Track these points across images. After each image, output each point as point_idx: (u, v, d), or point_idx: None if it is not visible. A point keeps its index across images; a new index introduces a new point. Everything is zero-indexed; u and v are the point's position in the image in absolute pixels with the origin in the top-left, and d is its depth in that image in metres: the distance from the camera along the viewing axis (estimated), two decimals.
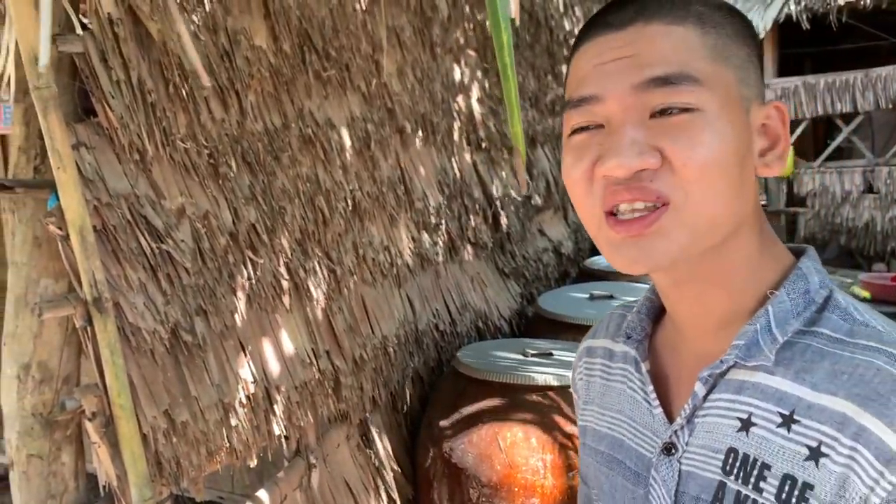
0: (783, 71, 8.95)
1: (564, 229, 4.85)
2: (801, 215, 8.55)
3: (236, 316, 2.03)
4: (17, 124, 1.79)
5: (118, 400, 1.68)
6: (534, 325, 3.47)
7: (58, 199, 1.67)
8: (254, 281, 2.10)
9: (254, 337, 2.08)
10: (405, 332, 2.84)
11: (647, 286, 0.87)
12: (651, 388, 0.80)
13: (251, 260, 2.11)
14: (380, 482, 2.59)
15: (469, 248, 3.56)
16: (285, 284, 2.24)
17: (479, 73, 3.87)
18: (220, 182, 2.06)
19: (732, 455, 0.69)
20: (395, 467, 2.67)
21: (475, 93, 3.83)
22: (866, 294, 6.15)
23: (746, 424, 0.69)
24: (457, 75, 3.62)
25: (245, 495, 2.83)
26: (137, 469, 1.70)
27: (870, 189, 8.00)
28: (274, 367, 2.11)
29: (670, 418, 0.77)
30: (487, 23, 3.71)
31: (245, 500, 2.77)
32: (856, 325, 0.68)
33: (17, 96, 1.75)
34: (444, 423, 2.54)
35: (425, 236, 3.15)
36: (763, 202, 13.65)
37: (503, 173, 4.05)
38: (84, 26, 1.74)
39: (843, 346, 0.66)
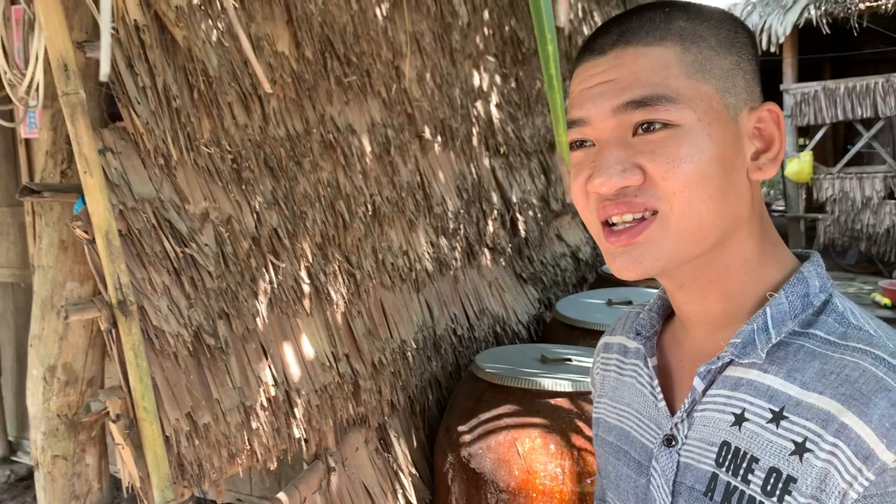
0: (803, 76, 8.90)
1: (582, 234, 4.84)
2: (820, 221, 8.48)
3: (258, 319, 2.04)
4: (44, 129, 1.82)
5: (142, 402, 1.70)
6: (551, 330, 3.46)
7: (84, 203, 1.69)
8: (275, 285, 2.12)
9: (275, 340, 2.10)
10: (423, 336, 2.84)
11: None
12: (656, 382, 0.84)
13: (273, 264, 2.12)
14: (398, 486, 2.59)
15: (487, 253, 3.57)
16: (306, 288, 2.25)
17: (497, 79, 3.88)
18: (243, 187, 2.08)
19: (725, 448, 0.73)
20: (413, 471, 2.68)
21: (494, 98, 3.83)
22: (887, 301, 6.09)
23: (740, 419, 0.72)
24: (476, 81, 3.63)
25: (264, 497, 2.85)
26: (160, 471, 1.72)
27: (891, 195, 7.93)
28: (294, 371, 2.13)
29: (673, 412, 0.81)
30: (507, 28, 3.72)
31: (264, 502, 2.79)
32: (850, 329, 0.70)
33: (45, 102, 1.78)
34: (462, 427, 2.54)
35: (444, 241, 3.16)
36: (781, 208, 13.56)
37: (521, 178, 4.05)
38: (112, 31, 1.76)
39: (834, 347, 0.69)
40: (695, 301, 0.79)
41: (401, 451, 2.66)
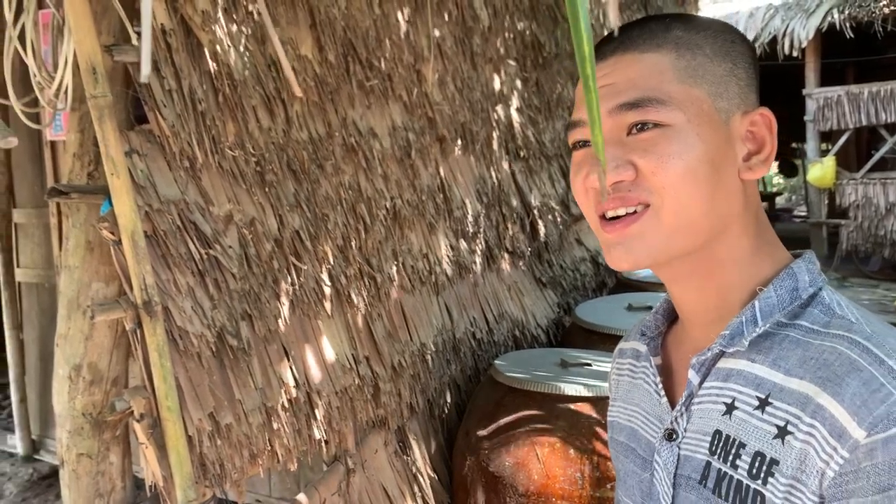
0: (826, 80, 8.82)
1: None
2: (843, 227, 8.40)
3: (280, 321, 2.06)
4: (72, 132, 1.85)
5: (166, 402, 1.71)
6: (570, 335, 3.46)
7: (111, 204, 1.71)
8: (297, 287, 2.13)
9: (296, 342, 2.11)
10: (443, 339, 2.85)
11: None
12: (658, 379, 0.87)
13: (295, 266, 2.14)
14: (416, 488, 2.60)
15: (506, 256, 3.57)
16: (327, 291, 2.27)
17: (518, 83, 3.88)
18: (267, 189, 2.10)
19: (717, 436, 0.76)
20: (432, 474, 2.68)
21: (514, 102, 3.84)
22: None
23: (730, 408, 0.76)
24: (496, 84, 3.63)
25: (283, 499, 2.87)
26: (183, 470, 1.73)
27: None
28: (315, 372, 2.14)
29: (674, 407, 0.84)
30: (527, 32, 3.72)
31: (283, 503, 2.80)
32: (833, 318, 0.74)
33: (73, 105, 1.81)
34: (481, 431, 2.54)
35: (463, 245, 3.17)
36: (803, 213, 13.43)
37: (541, 182, 4.05)
38: (139, 35, 1.79)
39: (816, 335, 0.73)
40: (691, 296, 0.83)
41: (419, 453, 2.67)
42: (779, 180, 21.35)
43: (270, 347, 2.02)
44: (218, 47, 1.94)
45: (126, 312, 1.72)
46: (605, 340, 3.07)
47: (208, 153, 1.92)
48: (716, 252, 0.78)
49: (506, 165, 3.70)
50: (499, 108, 3.65)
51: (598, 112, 0.40)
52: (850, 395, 0.65)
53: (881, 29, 7.71)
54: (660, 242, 0.76)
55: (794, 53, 8.44)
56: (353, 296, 2.38)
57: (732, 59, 0.79)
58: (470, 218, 3.23)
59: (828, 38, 8.44)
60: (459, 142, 3.24)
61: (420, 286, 2.79)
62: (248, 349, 1.93)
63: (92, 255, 1.83)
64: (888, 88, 7.82)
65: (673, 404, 0.84)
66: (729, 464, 0.74)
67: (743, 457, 0.73)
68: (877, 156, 8.25)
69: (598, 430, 2.41)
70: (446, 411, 2.89)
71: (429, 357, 2.72)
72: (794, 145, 14.75)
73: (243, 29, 2.02)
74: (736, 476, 0.73)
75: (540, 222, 3.89)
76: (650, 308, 3.34)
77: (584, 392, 2.47)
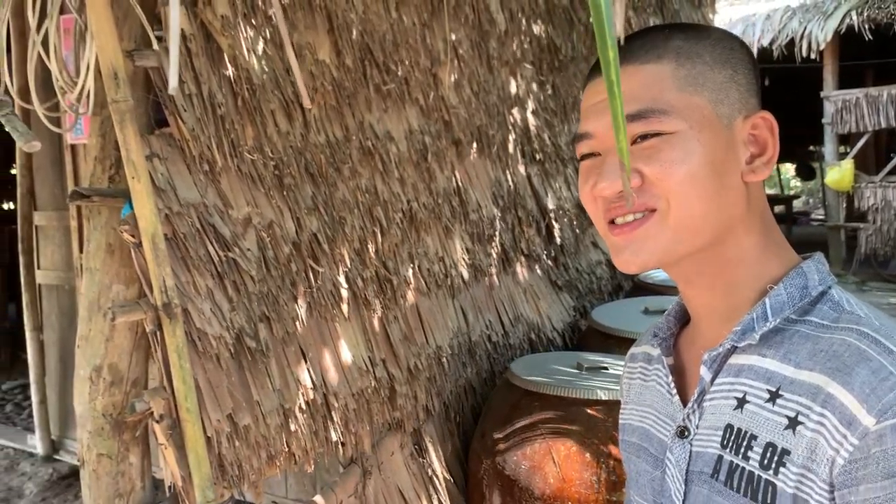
0: (844, 83, 8.74)
1: None
2: (861, 230, 8.32)
3: (297, 323, 2.07)
4: (93, 136, 1.87)
5: (185, 403, 1.73)
6: (586, 338, 3.45)
7: (131, 207, 1.73)
8: (314, 289, 2.15)
9: (314, 344, 2.12)
10: (458, 342, 2.85)
11: None
12: (671, 378, 0.89)
13: (312, 269, 2.15)
14: (432, 491, 2.60)
15: (522, 259, 3.57)
16: (344, 293, 2.28)
17: (534, 86, 3.88)
18: (285, 192, 2.11)
19: (729, 430, 0.78)
20: (448, 477, 2.69)
21: (530, 105, 3.84)
22: None
23: (741, 402, 0.77)
24: (512, 88, 3.64)
25: (299, 500, 2.88)
26: (201, 471, 1.75)
27: None
28: (332, 375, 2.15)
29: (686, 405, 0.86)
30: (544, 35, 3.72)
31: None
32: (843, 314, 0.75)
33: (94, 109, 1.83)
34: (497, 434, 2.54)
35: (479, 248, 3.17)
36: (821, 217, 13.31)
37: (557, 185, 4.05)
38: (159, 40, 1.81)
39: (826, 330, 0.74)
40: (701, 296, 0.85)
41: (435, 456, 2.67)
42: (796, 183, 21.19)
43: (288, 349, 2.03)
44: (237, 52, 1.96)
45: (146, 314, 1.74)
46: (621, 344, 3.06)
47: (227, 157, 1.94)
48: (723, 252, 0.81)
49: (522, 169, 3.71)
50: (515, 111, 3.65)
51: (622, 118, 0.41)
52: (860, 384, 0.67)
53: None
54: (666, 244, 0.79)
55: (812, 56, 8.38)
56: (369, 298, 2.39)
57: (732, 65, 0.81)
58: (486, 221, 3.23)
59: (846, 39, 8.37)
60: (475, 145, 3.25)
61: (436, 289, 2.80)
62: (266, 351, 1.95)
63: (112, 257, 1.85)
64: None
65: (685, 403, 0.86)
66: (741, 456, 0.75)
67: (755, 448, 0.74)
68: None
69: (615, 433, 2.40)
70: (462, 414, 2.89)
71: (444, 360, 2.72)
72: (811, 148, 14.63)
73: (262, 34, 2.04)
74: (748, 468, 0.74)
75: (556, 225, 3.89)
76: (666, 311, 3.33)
77: (600, 396, 2.46)
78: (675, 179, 0.77)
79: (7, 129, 1.72)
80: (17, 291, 4.26)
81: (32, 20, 1.79)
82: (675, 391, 0.88)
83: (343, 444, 2.20)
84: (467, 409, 2.93)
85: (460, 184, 3.09)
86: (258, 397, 1.90)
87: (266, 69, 2.06)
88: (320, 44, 2.28)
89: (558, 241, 3.92)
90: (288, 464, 2.01)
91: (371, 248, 2.45)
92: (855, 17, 7.89)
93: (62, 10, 1.82)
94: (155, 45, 1.77)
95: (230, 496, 1.89)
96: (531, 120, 3.81)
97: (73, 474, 4.03)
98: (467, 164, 3.19)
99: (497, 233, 3.32)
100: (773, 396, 0.74)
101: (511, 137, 3.59)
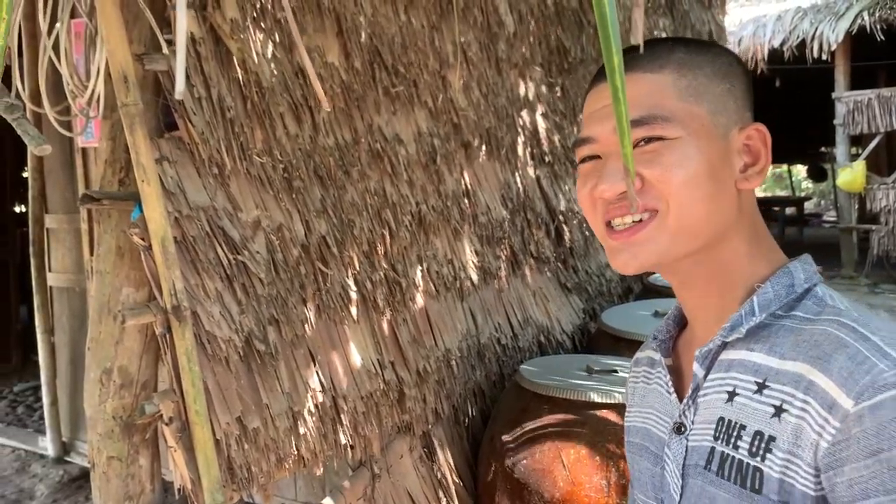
0: (856, 84, 8.69)
1: None
2: (874, 232, 8.27)
3: (306, 326, 2.07)
4: (104, 139, 1.88)
5: (194, 406, 1.73)
6: (596, 341, 3.44)
7: (141, 210, 1.74)
8: (323, 292, 2.15)
9: (322, 347, 2.12)
10: (467, 345, 2.85)
11: None
12: (668, 378, 0.94)
13: (321, 271, 2.15)
14: (441, 494, 2.60)
15: (532, 262, 3.56)
16: (353, 296, 2.28)
17: (543, 88, 3.88)
18: (294, 195, 2.12)
19: (720, 423, 0.81)
20: (457, 480, 2.68)
21: (539, 107, 3.83)
22: None
23: (732, 395, 0.81)
24: (521, 90, 3.63)
25: (308, 503, 2.88)
26: (211, 474, 1.75)
27: None
28: (341, 377, 2.15)
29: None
30: (552, 37, 3.71)
31: None
32: (825, 308, 0.80)
33: (104, 112, 1.84)
34: (506, 437, 2.54)
35: (488, 250, 3.16)
36: (833, 218, 13.24)
37: (566, 187, 4.04)
38: (169, 44, 1.81)
39: (809, 322, 0.79)
40: (695, 296, 0.90)
41: (444, 459, 2.67)
42: (808, 185, 21.07)
43: (297, 352, 2.03)
44: (246, 55, 1.96)
45: (156, 317, 1.75)
46: (631, 347, 3.05)
47: (237, 160, 1.94)
48: (716, 255, 0.85)
49: (531, 171, 3.70)
50: (524, 113, 3.65)
51: (627, 123, 0.40)
52: (838, 369, 0.71)
53: None
54: (665, 245, 0.82)
55: (824, 57, 8.33)
56: (378, 301, 2.39)
57: (730, 79, 0.86)
58: (495, 223, 3.23)
59: (858, 40, 8.31)
60: (484, 147, 3.24)
61: (445, 292, 2.80)
62: (275, 354, 1.95)
63: (123, 260, 1.85)
64: None
65: (682, 401, 0.90)
66: (731, 446, 0.79)
67: (744, 437, 0.78)
68: None
69: (624, 436, 2.39)
70: (471, 417, 2.89)
71: (454, 362, 2.72)
72: (823, 149, 14.55)
73: (271, 37, 2.04)
74: (737, 456, 0.78)
75: (565, 228, 3.88)
76: None
77: (610, 399, 2.45)
78: (675, 182, 0.80)
79: (19, 133, 1.73)
80: (29, 294, 4.28)
81: (44, 24, 1.80)
82: (672, 389, 0.92)
83: (352, 446, 2.20)
84: (476, 412, 2.92)
85: (469, 186, 3.08)
86: (267, 400, 1.90)
87: (275, 72, 2.06)
88: (329, 47, 2.28)
89: (567, 243, 3.91)
90: (297, 467, 2.01)
91: (380, 250, 2.45)
92: (867, 18, 7.84)
93: (73, 15, 1.84)
94: (164, 49, 1.78)
95: (239, 499, 1.89)
96: (540, 122, 3.80)
97: (84, 476, 4.05)
98: (476, 166, 3.19)
99: (506, 235, 3.32)
100: (761, 387, 0.78)
101: (520, 140, 3.58)
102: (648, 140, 0.82)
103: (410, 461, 2.54)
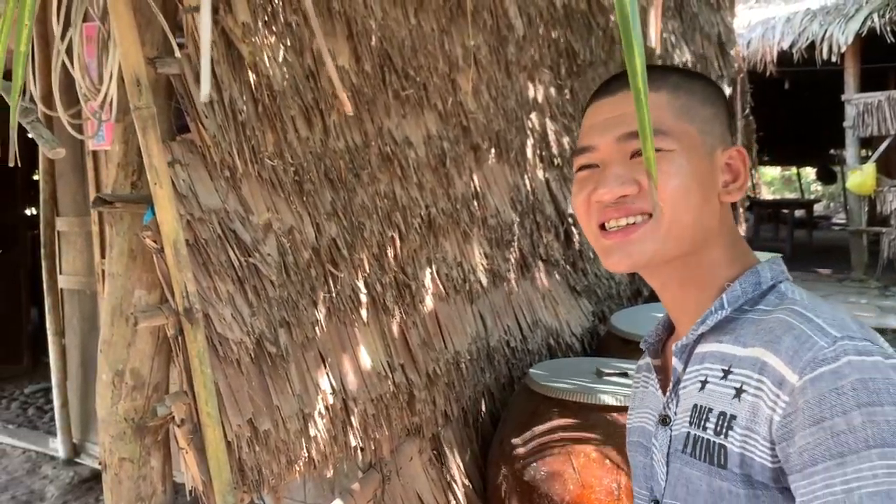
0: (865, 86, 8.65)
1: None
2: (884, 235, 8.22)
3: (317, 328, 2.08)
4: (116, 142, 1.89)
5: (206, 408, 1.74)
6: (605, 343, 3.43)
7: (153, 213, 1.75)
8: (334, 294, 2.15)
9: (333, 349, 2.13)
10: (477, 347, 2.85)
11: None
12: (654, 376, 1.04)
13: (332, 274, 2.16)
14: (451, 497, 2.60)
15: (541, 265, 3.56)
16: (363, 298, 2.28)
17: (552, 91, 3.88)
18: (304, 198, 2.12)
19: (694, 409, 0.90)
20: (467, 483, 2.68)
21: (548, 110, 3.83)
22: None
23: (704, 384, 0.90)
24: (531, 93, 3.63)
25: None
26: (222, 476, 1.75)
27: None
28: (351, 380, 2.15)
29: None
30: (562, 40, 3.71)
31: None
32: (784, 300, 0.89)
33: (117, 116, 1.85)
34: (516, 440, 2.53)
35: (498, 253, 3.16)
36: (842, 221, 13.17)
37: None
38: (181, 47, 1.82)
39: (768, 313, 0.87)
40: (676, 298, 0.98)
41: (454, 462, 2.67)
42: (817, 187, 20.98)
43: (308, 354, 2.04)
44: (258, 59, 1.97)
45: (168, 319, 1.75)
46: (640, 350, 3.04)
47: (248, 163, 1.95)
48: (697, 260, 0.94)
49: (540, 174, 3.70)
50: (533, 116, 3.65)
51: (649, 127, 0.41)
52: (786, 349, 0.79)
53: None
54: (655, 247, 0.90)
55: (833, 59, 8.29)
56: (388, 303, 2.39)
57: (716, 106, 0.97)
58: (504, 226, 3.23)
59: (867, 42, 8.28)
60: (494, 150, 3.25)
61: (454, 294, 2.80)
62: (286, 356, 1.95)
63: (135, 262, 1.86)
64: None
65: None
66: (701, 428, 0.87)
67: (710, 419, 0.86)
68: None
69: None
70: (481, 420, 2.89)
71: (463, 365, 2.72)
72: (832, 152, 14.48)
73: (283, 40, 2.05)
74: (705, 436, 0.86)
75: (574, 230, 3.88)
76: None
77: (620, 401, 2.45)
78: (668, 189, 0.89)
79: (32, 136, 1.75)
80: (40, 296, 4.30)
81: (56, 28, 1.81)
82: (658, 386, 1.02)
83: (362, 449, 2.20)
84: (486, 415, 2.92)
85: (479, 189, 3.09)
86: (278, 402, 1.91)
87: (286, 75, 2.07)
88: (340, 50, 2.29)
89: (577, 246, 3.91)
90: (307, 469, 2.01)
91: (390, 253, 2.45)
92: (877, 20, 7.81)
93: (85, 18, 1.85)
94: (177, 53, 1.79)
95: (250, 501, 1.89)
96: (549, 125, 3.81)
97: (95, 478, 4.06)
98: (486, 169, 3.19)
99: (515, 238, 3.32)
100: (726, 373, 0.86)
101: (529, 142, 3.58)
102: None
103: (420, 464, 2.54)
